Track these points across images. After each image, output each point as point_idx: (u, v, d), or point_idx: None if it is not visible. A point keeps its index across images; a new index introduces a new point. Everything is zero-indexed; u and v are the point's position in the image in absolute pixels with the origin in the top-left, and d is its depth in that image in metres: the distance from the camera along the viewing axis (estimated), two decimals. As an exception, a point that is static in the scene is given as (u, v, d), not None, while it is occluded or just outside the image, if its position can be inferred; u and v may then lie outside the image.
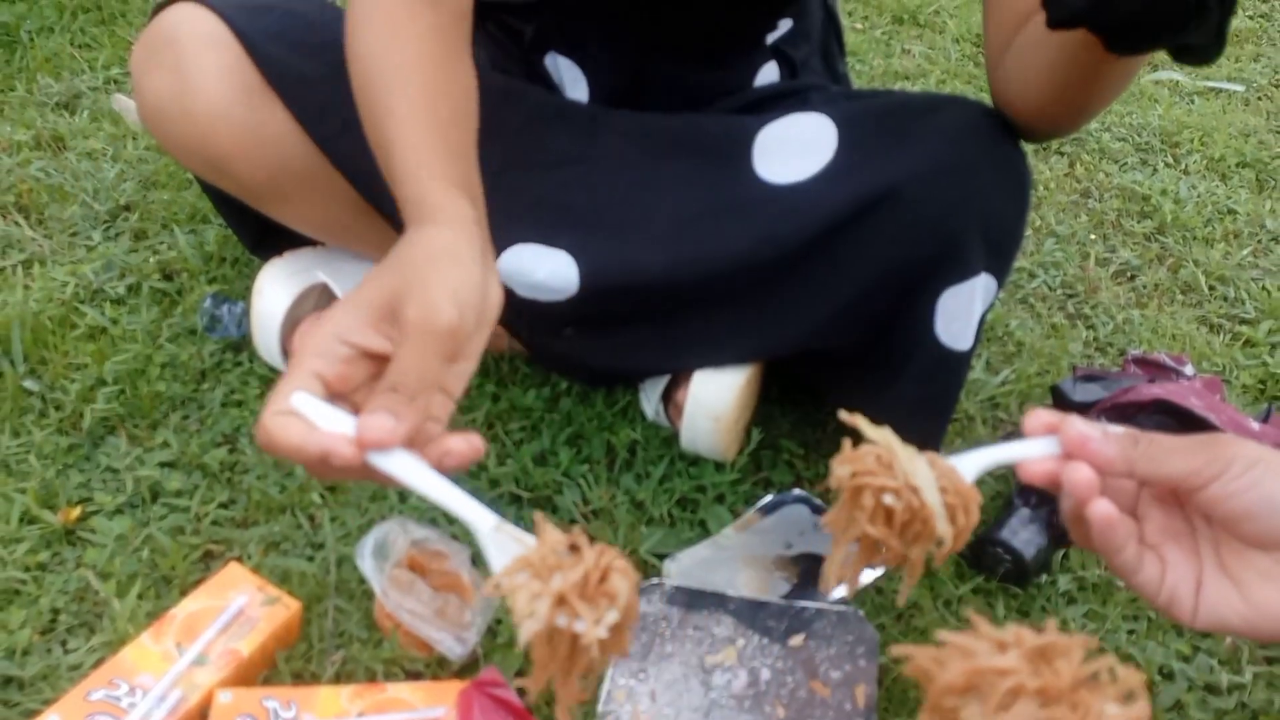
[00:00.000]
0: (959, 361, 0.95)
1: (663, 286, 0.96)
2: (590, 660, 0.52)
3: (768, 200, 0.93)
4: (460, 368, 0.61)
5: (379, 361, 0.60)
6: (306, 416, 0.56)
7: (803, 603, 0.90)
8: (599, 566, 0.52)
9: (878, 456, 0.56)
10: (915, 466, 0.55)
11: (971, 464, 0.59)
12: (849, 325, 0.96)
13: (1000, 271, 0.94)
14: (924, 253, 0.89)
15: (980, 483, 1.10)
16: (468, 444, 0.58)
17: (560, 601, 0.51)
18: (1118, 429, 0.57)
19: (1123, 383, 1.13)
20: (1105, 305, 1.38)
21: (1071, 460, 0.56)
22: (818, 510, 1.03)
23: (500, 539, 0.55)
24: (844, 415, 0.58)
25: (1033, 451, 0.58)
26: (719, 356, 1.02)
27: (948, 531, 0.55)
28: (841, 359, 1.01)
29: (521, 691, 0.76)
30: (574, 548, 0.53)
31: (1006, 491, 1.09)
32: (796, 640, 0.88)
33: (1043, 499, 1.02)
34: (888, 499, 0.54)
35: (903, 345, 0.96)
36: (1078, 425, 0.56)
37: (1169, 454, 0.55)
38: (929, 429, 1.01)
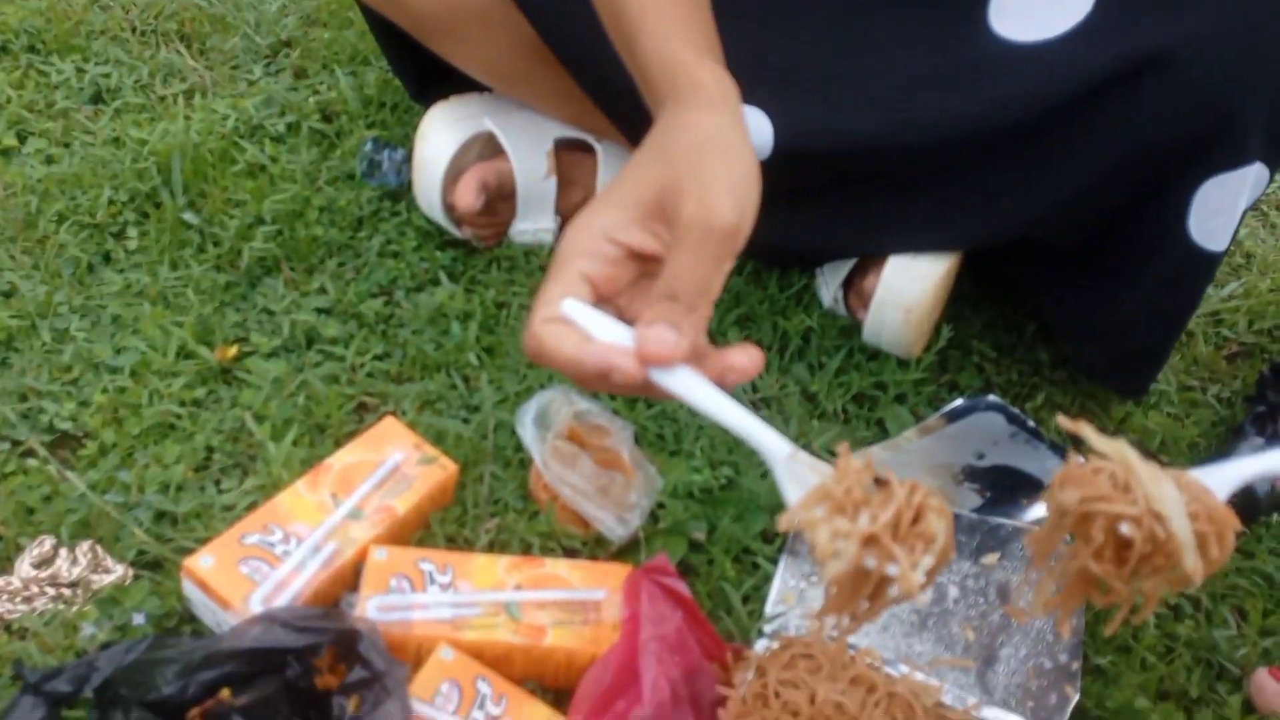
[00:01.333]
0: (1211, 264, 0.83)
1: (869, 155, 0.85)
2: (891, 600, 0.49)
3: (1004, 60, 0.81)
4: (726, 267, 0.54)
5: (646, 262, 0.55)
6: (580, 324, 0.52)
7: (998, 519, 0.81)
8: (911, 505, 0.47)
9: (1112, 475, 0.47)
10: (1161, 490, 0.47)
11: (1230, 477, 0.50)
12: (1083, 213, 0.83)
13: (1277, 161, 0.80)
14: (1194, 131, 0.75)
15: (1202, 405, 0.98)
16: (748, 358, 0.53)
17: (868, 541, 0.47)
18: None
19: (1383, 307, 0.98)
20: (1354, 219, 1.21)
21: None
22: (1014, 420, 0.93)
23: (795, 468, 0.51)
24: (1064, 422, 0.49)
25: None
26: (922, 241, 0.91)
27: (1197, 568, 0.46)
28: (1061, 253, 0.89)
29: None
30: (881, 482, 0.49)
31: (1233, 418, 0.96)
32: (990, 559, 0.79)
33: (1281, 430, 0.90)
34: (1124, 528, 0.46)
35: (1144, 241, 0.83)
36: None
37: None
38: (1157, 343, 0.89)
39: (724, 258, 0.53)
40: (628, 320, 0.55)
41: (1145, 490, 0.46)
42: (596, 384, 0.52)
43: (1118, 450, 0.48)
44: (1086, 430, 0.48)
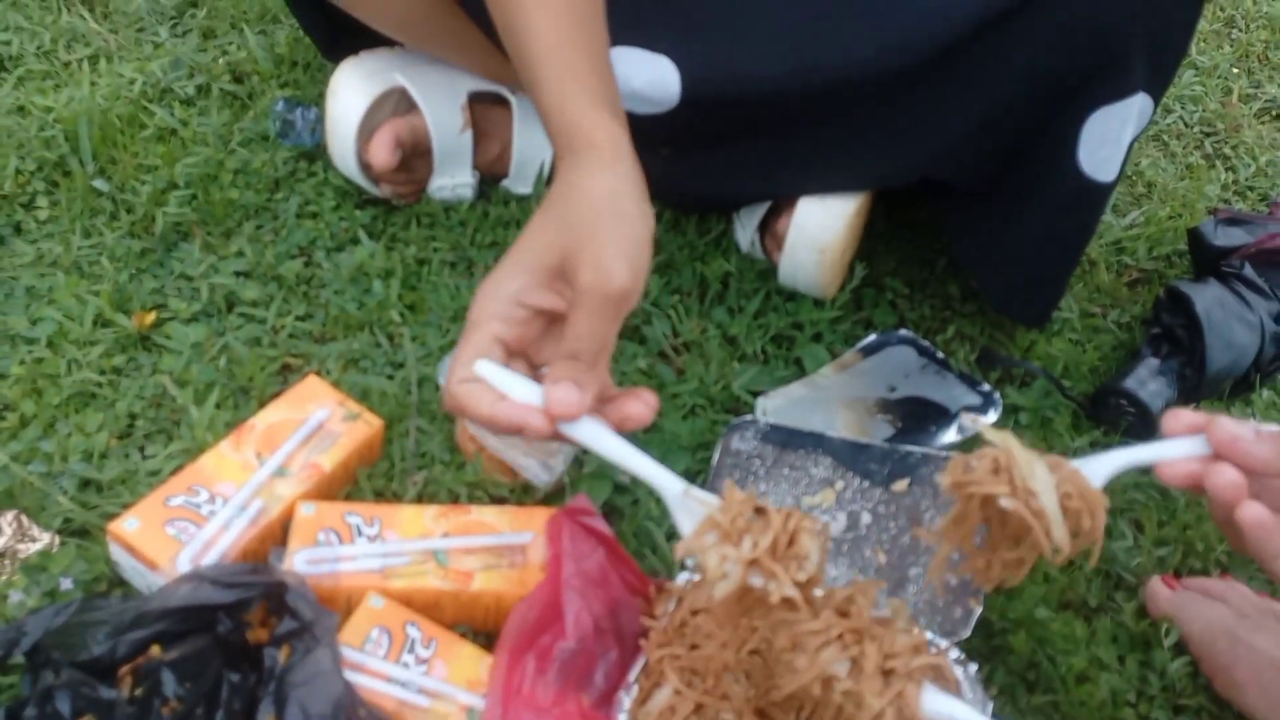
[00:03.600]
0: (1101, 194, 0.86)
1: (774, 98, 0.87)
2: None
3: (898, 1, 0.83)
4: (620, 322, 0.60)
5: (550, 316, 0.61)
6: (493, 384, 0.58)
7: (908, 447, 0.85)
8: (787, 530, 0.54)
9: (994, 460, 0.55)
10: (1034, 471, 0.54)
11: (1102, 467, 0.57)
12: (979, 148, 0.86)
13: (1159, 92, 0.84)
14: (1078, 64, 0.78)
15: (1103, 330, 1.03)
16: (645, 405, 0.59)
17: (751, 563, 0.54)
18: (1272, 427, 0.55)
19: (1269, 228, 1.02)
20: (1248, 145, 1.26)
21: (1217, 462, 0.54)
22: (924, 353, 0.97)
23: (688, 502, 0.58)
24: (967, 417, 0.57)
25: (1176, 452, 0.56)
26: (829, 182, 0.93)
27: (1064, 538, 0.54)
28: (963, 188, 0.92)
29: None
30: (759, 510, 0.56)
31: (1131, 341, 1.01)
32: (900, 485, 0.83)
33: (1174, 349, 0.94)
34: (1003, 502, 0.54)
35: (1037, 173, 0.87)
36: (1226, 425, 0.54)
37: None
38: (1055, 270, 0.93)
39: (618, 316, 0.59)
40: (537, 364, 0.62)
41: (1022, 471, 0.54)
42: (511, 434, 0.59)
43: (1002, 439, 0.55)
44: (984, 427, 0.60)
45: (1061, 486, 0.54)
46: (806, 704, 0.61)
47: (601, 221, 0.59)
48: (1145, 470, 0.89)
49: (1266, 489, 0.56)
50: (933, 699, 0.58)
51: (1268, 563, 0.55)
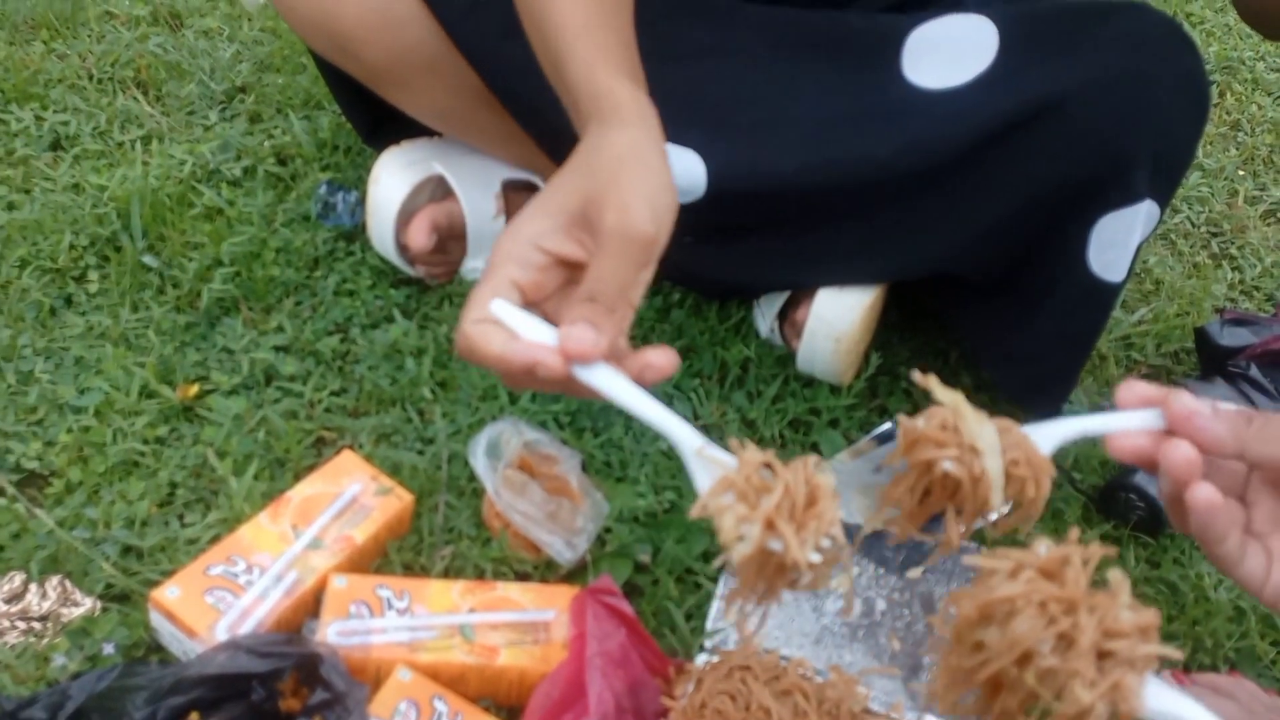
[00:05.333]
0: (1110, 295, 0.89)
1: (794, 193, 0.91)
2: (801, 576, 0.51)
3: (916, 106, 0.87)
4: (645, 275, 0.58)
5: (571, 269, 0.58)
6: (507, 324, 0.55)
7: (922, 535, 0.87)
8: (800, 485, 0.50)
9: (943, 421, 0.51)
10: (981, 430, 0.51)
11: (1052, 434, 0.54)
12: (992, 248, 0.90)
13: (1165, 198, 0.87)
14: (1087, 172, 0.82)
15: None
16: (666, 358, 0.56)
17: (771, 525, 0.49)
18: (1230, 405, 0.52)
19: (1275, 329, 1.05)
20: (1254, 246, 1.29)
21: (1172, 438, 0.51)
22: (938, 441, 0.99)
23: (704, 461, 0.53)
24: (917, 376, 0.54)
25: (1128, 424, 0.53)
26: (847, 274, 0.97)
27: (1000, 503, 0.51)
28: (977, 285, 0.96)
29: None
30: (769, 465, 0.51)
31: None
32: (914, 573, 0.85)
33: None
34: (947, 464, 0.50)
35: (1049, 273, 0.90)
36: (1185, 399, 0.51)
37: None
38: (1066, 366, 0.96)
39: (642, 264, 0.57)
40: (555, 321, 0.57)
41: (969, 430, 0.51)
42: (522, 380, 0.56)
43: (951, 398, 0.52)
44: (932, 382, 0.53)
45: (1009, 452, 0.51)
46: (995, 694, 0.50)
47: (626, 168, 0.58)
48: (1153, 564, 0.92)
49: (1219, 470, 0.54)
50: (1159, 694, 0.46)
51: (1212, 546, 0.52)
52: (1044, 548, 0.49)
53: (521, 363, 0.54)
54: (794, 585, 0.52)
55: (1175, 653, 0.46)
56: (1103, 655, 0.45)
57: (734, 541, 0.50)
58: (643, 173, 0.58)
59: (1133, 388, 0.53)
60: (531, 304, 0.58)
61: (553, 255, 0.58)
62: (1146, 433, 0.52)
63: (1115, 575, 0.47)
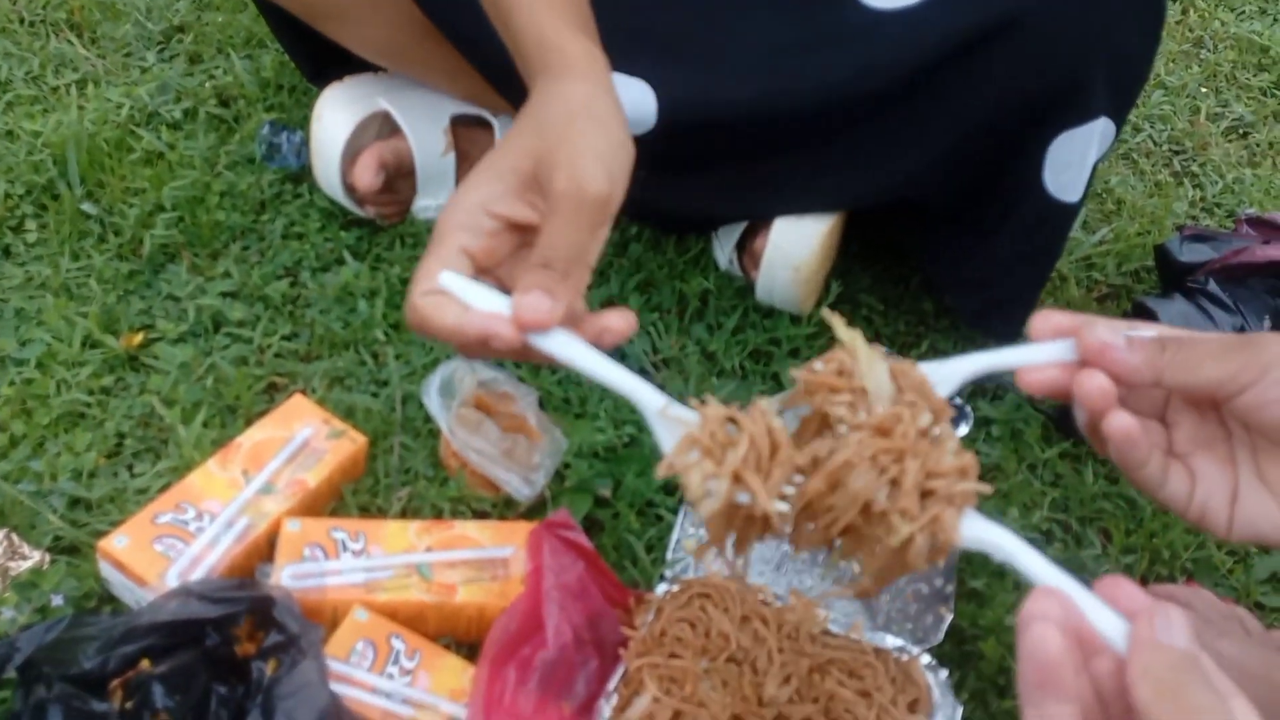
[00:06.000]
0: (1067, 215, 0.89)
1: (748, 122, 0.89)
2: (770, 525, 0.51)
3: (870, 27, 0.85)
4: (600, 235, 0.56)
5: (524, 232, 0.56)
6: (458, 296, 0.54)
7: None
8: (765, 436, 0.49)
9: (840, 364, 0.51)
10: (873, 370, 0.50)
11: (956, 371, 0.53)
12: (948, 172, 0.89)
13: (1121, 116, 0.86)
14: (1041, 90, 0.81)
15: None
16: (624, 320, 0.55)
17: (738, 478, 0.49)
18: (1145, 332, 0.51)
19: (1234, 244, 1.05)
20: (1215, 163, 1.29)
21: (1086, 368, 0.50)
22: (898, 367, 0.99)
23: (667, 421, 0.53)
24: (825, 314, 0.53)
25: (1040, 357, 0.52)
26: (803, 203, 0.95)
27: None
28: (934, 211, 0.95)
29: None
30: (733, 420, 0.51)
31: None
32: (874, 497, 0.85)
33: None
34: (838, 409, 0.50)
35: (1005, 195, 0.89)
36: (1098, 331, 0.50)
37: (1200, 360, 0.50)
38: (1024, 289, 0.95)
39: (597, 225, 0.55)
40: (508, 287, 0.56)
41: (859, 371, 0.50)
42: (478, 350, 0.54)
43: (849, 337, 0.52)
44: (835, 320, 0.53)
45: (906, 395, 0.51)
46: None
47: (577, 125, 0.56)
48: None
49: (1138, 392, 0.53)
50: (974, 525, 0.49)
51: (1133, 472, 0.52)
52: (880, 408, 0.50)
53: (475, 334, 0.53)
54: (763, 535, 0.52)
55: (985, 487, 0.49)
56: (926, 494, 0.48)
57: (701, 498, 0.49)
58: (595, 129, 0.56)
59: (1048, 318, 0.52)
60: (484, 270, 0.56)
61: (504, 220, 0.56)
62: (1059, 365, 0.51)
63: (944, 427, 0.50)
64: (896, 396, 0.50)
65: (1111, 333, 0.50)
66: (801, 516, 0.50)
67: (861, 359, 0.51)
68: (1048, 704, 0.41)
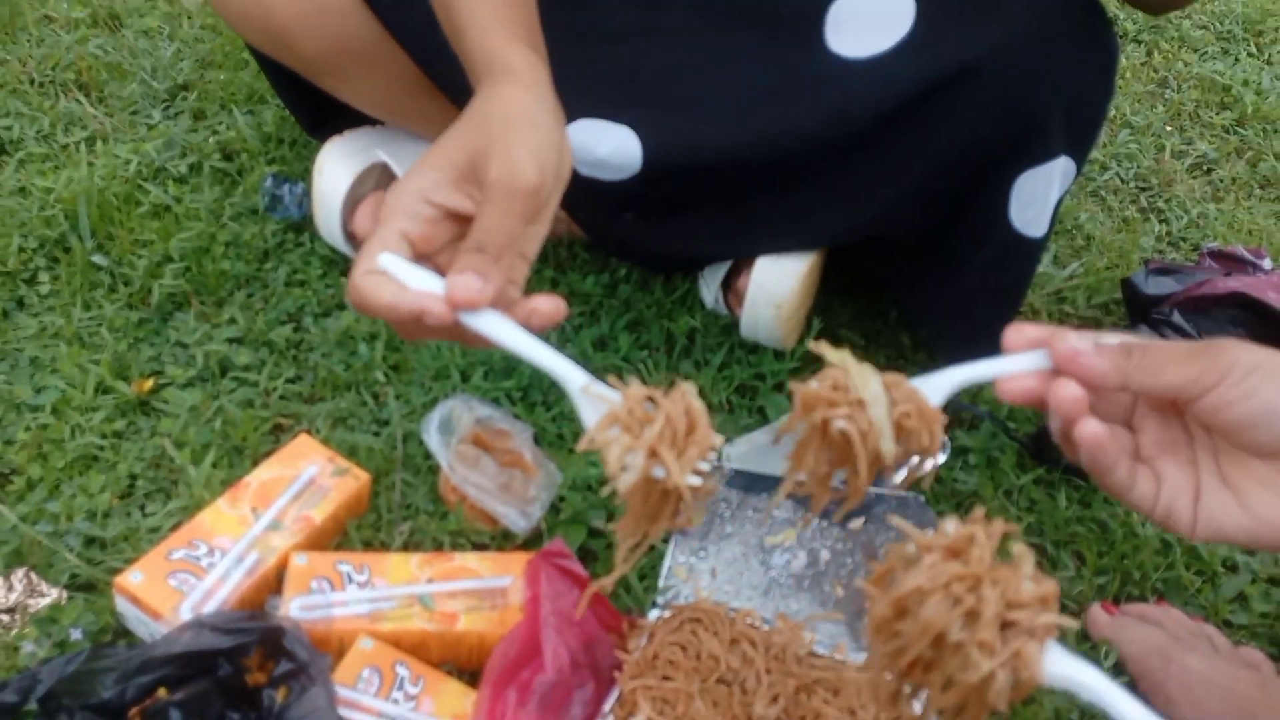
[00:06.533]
0: (1033, 249, 0.93)
1: (728, 165, 0.94)
2: (682, 504, 0.53)
3: (840, 75, 0.90)
4: (535, 230, 0.61)
5: (461, 223, 0.60)
6: (395, 276, 0.57)
7: (836, 493, 0.90)
8: (682, 413, 0.52)
9: (834, 380, 0.53)
10: (867, 383, 0.53)
11: (943, 383, 0.55)
12: (918, 209, 0.93)
13: (1080, 155, 0.91)
14: (1003, 132, 0.86)
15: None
16: (552, 304, 0.59)
17: (654, 454, 0.51)
18: (1112, 339, 0.54)
19: (1197, 276, 1.10)
20: (1180, 199, 1.34)
21: (1059, 378, 0.53)
22: (879, 398, 1.03)
23: (590, 398, 0.55)
24: (813, 345, 0.56)
25: (1016, 367, 0.55)
26: (783, 242, 1.00)
27: (891, 450, 0.52)
28: (907, 247, 0.99)
29: (602, 546, 0.77)
30: (652, 399, 0.53)
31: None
32: (856, 524, 0.89)
33: (1110, 391, 1.01)
34: (839, 423, 0.52)
35: (973, 232, 0.94)
36: (1069, 339, 0.53)
37: (1164, 364, 0.53)
38: (995, 321, 0.98)
39: (528, 215, 0.59)
40: (445, 272, 0.58)
41: (854, 384, 0.52)
42: (413, 329, 0.58)
43: (839, 356, 0.54)
44: (822, 346, 0.55)
45: (900, 405, 0.53)
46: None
47: (512, 125, 0.60)
48: (1085, 504, 0.96)
49: (1106, 400, 0.56)
50: (1058, 660, 0.47)
51: (1102, 476, 0.55)
52: (951, 527, 0.49)
53: (409, 310, 0.56)
54: (675, 519, 0.54)
55: (1071, 622, 0.48)
56: (1006, 625, 0.46)
57: (619, 472, 0.51)
58: (529, 128, 0.60)
59: (1021, 331, 0.55)
60: (422, 256, 0.59)
61: (441, 208, 0.60)
62: (1034, 374, 0.54)
63: (1019, 549, 0.48)
64: (892, 407, 0.52)
65: (1081, 340, 0.53)
66: (876, 642, 0.50)
67: (854, 372, 0.53)
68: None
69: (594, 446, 0.53)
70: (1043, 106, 0.85)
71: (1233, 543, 0.56)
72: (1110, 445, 0.54)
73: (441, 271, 0.59)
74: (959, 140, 0.87)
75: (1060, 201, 0.94)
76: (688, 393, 0.54)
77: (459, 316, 0.56)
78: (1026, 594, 0.47)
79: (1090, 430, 0.53)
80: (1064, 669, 0.47)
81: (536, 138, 0.60)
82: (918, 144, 0.89)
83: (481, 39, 0.66)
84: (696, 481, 0.52)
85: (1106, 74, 0.88)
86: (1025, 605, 0.47)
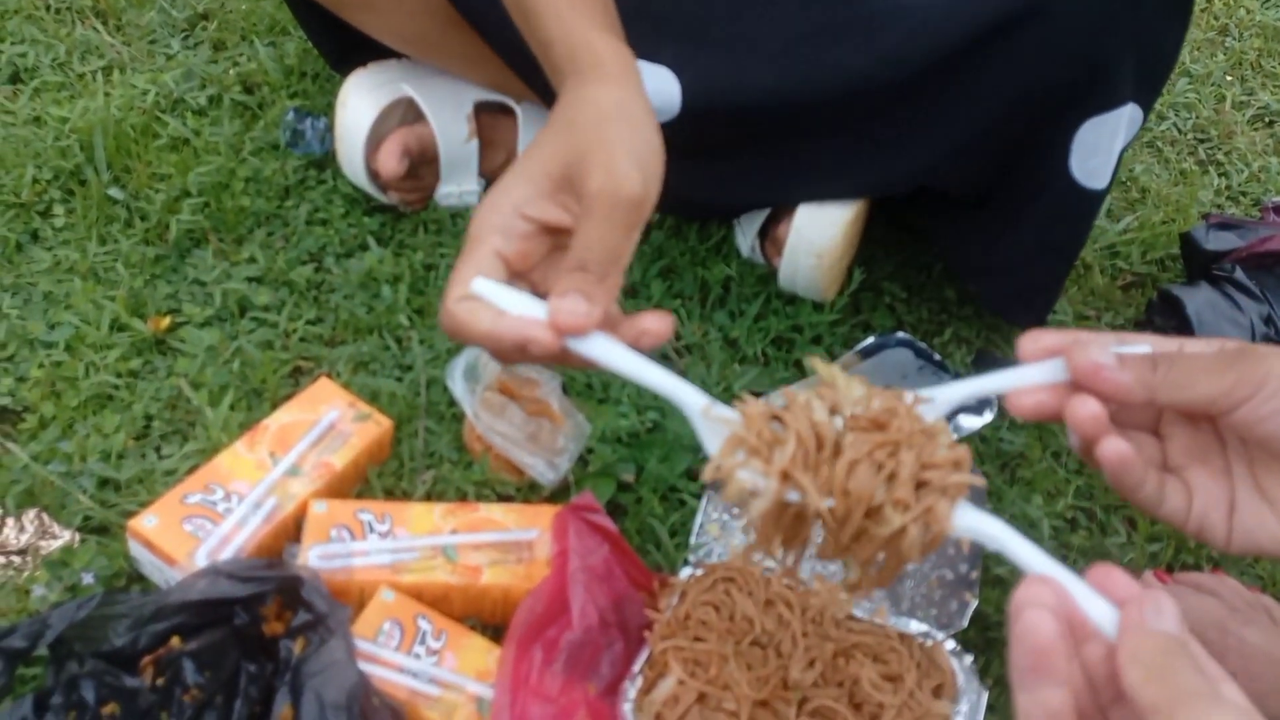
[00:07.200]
0: (1093, 201, 0.88)
1: (771, 109, 0.89)
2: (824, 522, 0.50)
3: (894, 15, 0.85)
4: (634, 237, 0.56)
5: (558, 235, 0.56)
6: (491, 302, 0.53)
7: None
8: (809, 429, 0.49)
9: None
10: (851, 391, 0.51)
11: (947, 399, 0.53)
12: (973, 159, 0.88)
13: (1148, 102, 0.86)
14: (1069, 77, 0.81)
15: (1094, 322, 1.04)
16: (661, 322, 0.55)
17: (785, 477, 0.49)
18: (1138, 348, 0.50)
19: (1260, 232, 1.05)
20: (1241, 151, 1.28)
21: (1077, 394, 0.49)
22: (922, 355, 0.99)
23: (710, 421, 0.53)
24: (807, 360, 0.53)
25: (1030, 379, 0.51)
26: (827, 190, 0.95)
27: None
28: (959, 198, 0.94)
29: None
30: (776, 417, 0.51)
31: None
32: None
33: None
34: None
35: (1031, 182, 0.89)
36: (1090, 352, 0.49)
37: (1194, 377, 0.49)
38: (1049, 276, 0.95)
39: (632, 226, 0.55)
40: (542, 291, 0.56)
41: (840, 395, 0.51)
42: (515, 356, 0.54)
43: (828, 373, 0.52)
44: (816, 362, 0.53)
45: (905, 454, 0.50)
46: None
47: (610, 127, 0.55)
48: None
49: (1128, 408, 0.52)
50: (967, 515, 0.49)
51: (1130, 494, 0.51)
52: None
53: (512, 340, 0.52)
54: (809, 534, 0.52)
55: (979, 479, 0.50)
56: (920, 485, 0.49)
57: (747, 498, 0.49)
58: (628, 131, 0.56)
59: (1038, 338, 0.51)
60: (518, 274, 0.56)
61: (537, 222, 0.56)
62: (1049, 388, 0.50)
63: (937, 421, 0.51)
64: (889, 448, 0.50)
65: (1102, 352, 0.49)
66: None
67: (841, 384, 0.51)
68: (1040, 688, 0.42)
69: (722, 474, 0.50)
70: (1113, 50, 0.79)
71: (1271, 557, 0.53)
72: (1136, 463, 0.50)
73: (537, 290, 0.55)
74: (1021, 85, 0.82)
75: (1124, 152, 0.88)
76: (809, 407, 0.50)
77: (565, 342, 0.52)
78: (940, 457, 0.49)
79: (1113, 449, 0.49)
80: (972, 522, 0.49)
81: (637, 141, 0.55)
82: (975, 90, 0.84)
83: (560, 24, 0.61)
84: (831, 502, 0.48)
85: (1183, 14, 0.83)
86: (939, 466, 0.49)
